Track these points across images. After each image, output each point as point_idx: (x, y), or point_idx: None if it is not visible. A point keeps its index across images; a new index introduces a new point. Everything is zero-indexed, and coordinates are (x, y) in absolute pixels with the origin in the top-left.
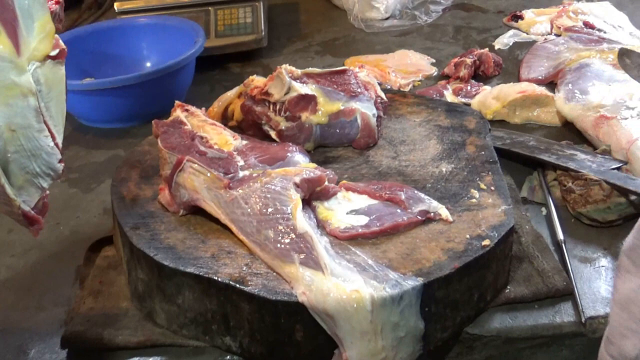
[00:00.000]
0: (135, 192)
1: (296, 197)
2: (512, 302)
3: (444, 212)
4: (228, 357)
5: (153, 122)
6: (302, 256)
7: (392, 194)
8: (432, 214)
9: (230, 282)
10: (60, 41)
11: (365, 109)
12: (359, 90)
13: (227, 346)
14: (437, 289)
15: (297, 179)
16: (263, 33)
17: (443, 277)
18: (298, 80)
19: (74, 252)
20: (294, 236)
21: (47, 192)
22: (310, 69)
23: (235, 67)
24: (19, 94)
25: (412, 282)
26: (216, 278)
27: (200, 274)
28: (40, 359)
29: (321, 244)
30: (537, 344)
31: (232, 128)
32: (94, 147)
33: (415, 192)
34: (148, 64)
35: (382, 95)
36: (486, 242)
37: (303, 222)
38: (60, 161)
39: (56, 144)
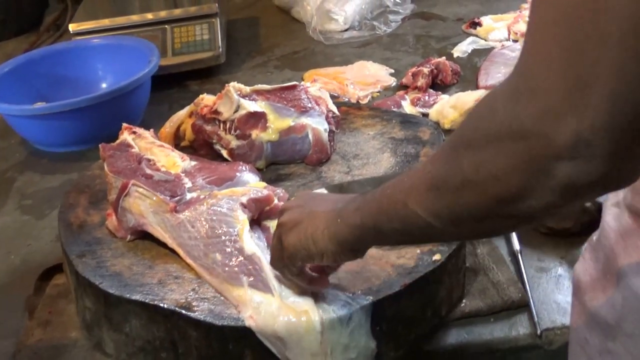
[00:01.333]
0: (83, 218)
1: (243, 217)
2: (467, 316)
3: None
4: None
5: (100, 145)
6: (250, 279)
7: None
8: None
9: (176, 309)
10: None
11: (317, 124)
12: (309, 105)
13: None
14: (387, 307)
15: (244, 199)
16: (220, 49)
17: (392, 294)
18: (247, 98)
19: (24, 282)
20: (242, 258)
21: None
22: (260, 86)
23: (194, 85)
24: None
25: (360, 302)
26: (162, 304)
27: (146, 300)
28: None
29: (266, 262)
30: (494, 357)
31: (185, 148)
32: (49, 172)
33: None
34: (104, 85)
35: (334, 109)
36: (437, 256)
37: (250, 243)
38: None
39: None
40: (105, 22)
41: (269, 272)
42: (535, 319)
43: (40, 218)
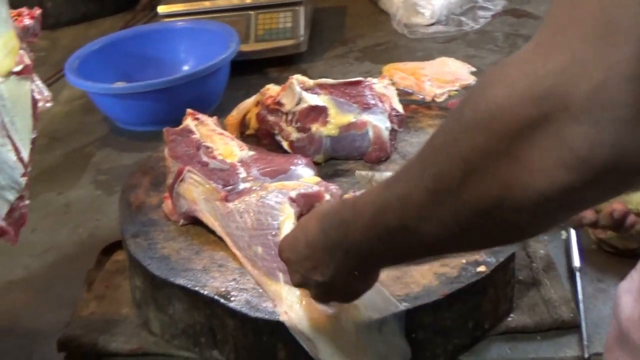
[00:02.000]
0: (142, 199)
1: (290, 211)
2: (513, 332)
3: None
4: None
5: (164, 129)
6: (286, 276)
7: None
8: None
9: (215, 297)
10: (26, 57)
11: (378, 122)
12: (372, 102)
13: (215, 359)
14: (425, 315)
15: (294, 194)
16: (302, 38)
17: (430, 303)
18: (310, 91)
19: (87, 255)
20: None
21: (26, 202)
22: (323, 80)
23: (274, 72)
24: None
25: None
26: (203, 291)
27: (188, 286)
28: (41, 359)
29: None
30: None
31: (249, 137)
32: (125, 149)
33: None
34: (185, 67)
35: (399, 108)
36: (482, 268)
37: None
38: (23, 175)
39: (20, 159)
40: (193, 6)
41: None
42: (585, 342)
43: (110, 194)
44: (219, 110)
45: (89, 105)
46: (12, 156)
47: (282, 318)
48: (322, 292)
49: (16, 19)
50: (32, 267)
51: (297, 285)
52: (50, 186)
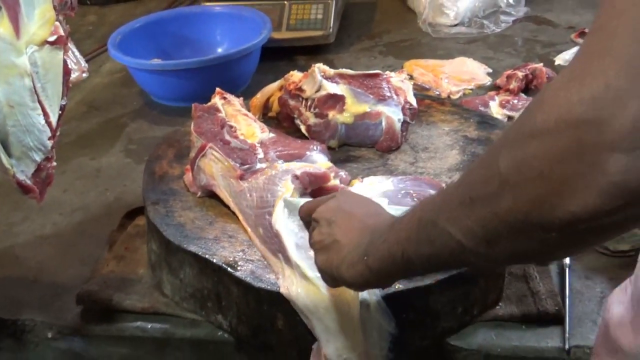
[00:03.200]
0: (165, 169)
1: (289, 187)
2: (500, 320)
3: None
4: (219, 333)
5: (193, 105)
6: (281, 255)
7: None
8: None
9: (223, 265)
10: (60, 28)
11: (391, 114)
12: (388, 94)
13: (219, 323)
14: (416, 298)
15: (299, 172)
16: (331, 30)
17: (423, 287)
18: (330, 80)
19: (112, 218)
20: (273, 235)
21: (54, 164)
22: (344, 70)
23: (302, 60)
24: (17, 74)
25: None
26: (212, 259)
27: (199, 253)
28: (59, 311)
29: (296, 238)
30: None
31: (271, 119)
32: (156, 122)
33: None
34: (220, 50)
35: (413, 101)
36: None
37: (279, 219)
38: (50, 138)
39: (49, 123)
40: None
41: (291, 251)
42: (567, 334)
43: (139, 163)
44: (248, 92)
45: (127, 78)
46: (41, 120)
47: (282, 291)
48: (320, 244)
49: None
50: (60, 225)
51: (316, 247)
52: (85, 151)
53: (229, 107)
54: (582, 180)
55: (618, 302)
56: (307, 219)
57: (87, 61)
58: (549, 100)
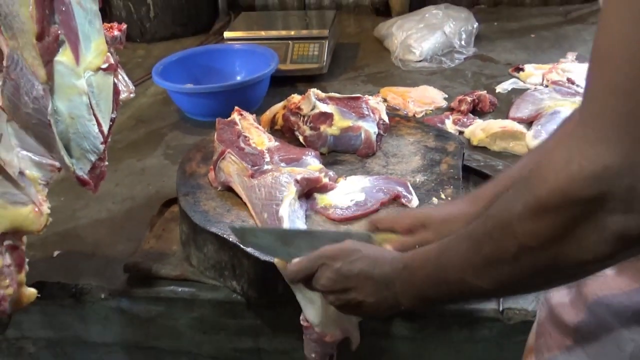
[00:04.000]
0: (194, 169)
1: (293, 189)
2: None
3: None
4: (234, 295)
5: (217, 119)
6: None
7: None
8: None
9: (237, 243)
10: (111, 58)
11: (369, 128)
12: (366, 113)
13: (234, 288)
14: None
15: (299, 177)
16: (325, 63)
17: None
18: (322, 101)
19: (153, 206)
20: (275, 219)
21: (106, 163)
22: (333, 94)
23: (301, 87)
24: (77, 93)
25: None
26: (229, 238)
27: (219, 234)
28: (111, 277)
29: (294, 226)
30: (464, 321)
31: (276, 131)
32: (189, 133)
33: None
34: (238, 77)
35: (385, 118)
36: None
37: (285, 209)
38: (102, 143)
39: (101, 131)
40: (249, 34)
41: None
42: (501, 298)
43: (174, 164)
44: (260, 110)
45: (167, 99)
46: (96, 129)
47: (275, 262)
48: (345, 306)
49: (108, 30)
50: (113, 211)
51: (325, 289)
52: (133, 155)
53: (244, 121)
54: (592, 236)
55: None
56: (299, 278)
57: (135, 85)
58: (552, 178)
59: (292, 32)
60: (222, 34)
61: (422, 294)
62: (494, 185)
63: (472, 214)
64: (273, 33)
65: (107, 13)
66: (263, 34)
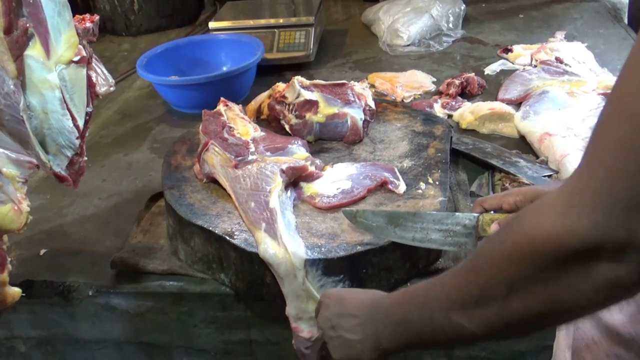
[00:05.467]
0: (179, 161)
1: (279, 180)
2: (440, 272)
3: (402, 187)
4: (223, 288)
5: (203, 111)
6: (266, 226)
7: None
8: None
9: (223, 235)
10: (83, 50)
11: (355, 114)
12: (352, 99)
13: (222, 280)
14: (373, 256)
15: (284, 166)
16: (311, 51)
17: (378, 247)
18: (306, 89)
19: (140, 200)
20: (265, 210)
21: (84, 158)
22: (317, 81)
23: (289, 75)
24: (49, 87)
25: (342, 252)
26: (215, 230)
27: (205, 226)
28: (99, 274)
29: (284, 219)
30: None
31: (263, 120)
32: (176, 125)
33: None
34: (224, 68)
35: (372, 104)
36: None
37: (275, 200)
38: (78, 138)
39: (77, 126)
40: (235, 23)
41: (280, 224)
42: None
43: (162, 157)
44: (247, 101)
45: (152, 92)
46: (70, 123)
47: (261, 255)
48: (331, 345)
49: (80, 22)
50: (100, 207)
51: (324, 327)
52: (119, 149)
53: (230, 112)
54: (583, 284)
55: None
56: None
57: (121, 80)
58: (549, 221)
59: (279, 21)
60: (208, 24)
61: (404, 333)
62: None
63: None
64: (259, 22)
65: (91, 8)
66: (249, 23)
